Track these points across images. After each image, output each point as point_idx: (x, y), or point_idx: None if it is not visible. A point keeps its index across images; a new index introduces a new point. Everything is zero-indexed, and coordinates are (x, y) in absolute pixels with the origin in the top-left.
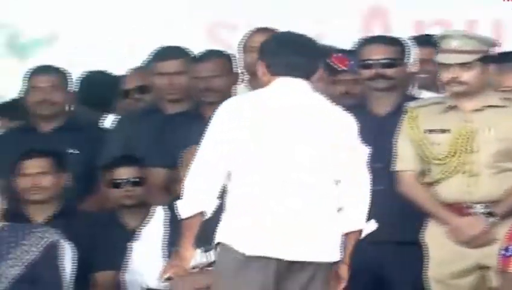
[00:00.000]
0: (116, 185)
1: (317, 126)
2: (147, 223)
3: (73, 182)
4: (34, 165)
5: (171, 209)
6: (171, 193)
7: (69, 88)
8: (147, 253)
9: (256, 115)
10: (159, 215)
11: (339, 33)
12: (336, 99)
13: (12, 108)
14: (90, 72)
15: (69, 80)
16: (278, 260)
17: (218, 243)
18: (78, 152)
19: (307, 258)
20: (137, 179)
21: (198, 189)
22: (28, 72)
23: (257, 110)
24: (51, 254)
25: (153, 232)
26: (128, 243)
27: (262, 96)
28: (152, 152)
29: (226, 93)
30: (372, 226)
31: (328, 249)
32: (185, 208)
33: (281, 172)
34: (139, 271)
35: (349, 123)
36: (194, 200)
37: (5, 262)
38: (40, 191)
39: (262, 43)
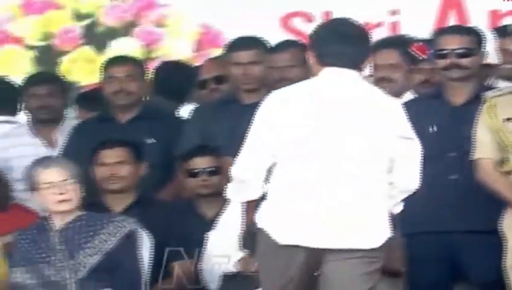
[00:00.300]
0: (193, 174)
1: (366, 116)
2: (223, 212)
3: (150, 171)
4: (112, 155)
5: None
6: None
7: (145, 78)
8: (223, 242)
9: (305, 104)
10: (235, 204)
11: (414, 23)
12: (415, 87)
13: (91, 98)
14: (166, 62)
15: (145, 70)
16: (316, 249)
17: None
18: (154, 142)
19: (347, 246)
20: (214, 169)
21: (245, 176)
22: (104, 62)
23: (306, 99)
24: (128, 243)
25: (229, 220)
26: (206, 232)
27: (311, 86)
28: (228, 142)
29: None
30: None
31: (369, 237)
32: (234, 195)
33: (330, 162)
34: (216, 260)
35: (398, 113)
36: (242, 188)
37: (84, 251)
38: (118, 180)
39: (311, 33)
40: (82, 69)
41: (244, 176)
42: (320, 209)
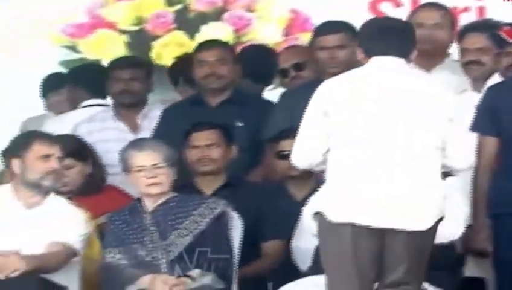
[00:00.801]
0: (283, 156)
1: (418, 100)
2: (313, 193)
3: (238, 154)
4: (203, 138)
5: None
6: None
7: (235, 62)
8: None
9: (359, 91)
10: None
11: (501, 7)
12: (503, 71)
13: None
14: (251, 45)
15: (235, 54)
16: (371, 228)
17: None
18: (243, 125)
19: (403, 227)
20: None
21: (305, 164)
22: (196, 46)
23: (360, 86)
24: (219, 224)
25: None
26: (296, 213)
27: (362, 73)
28: None
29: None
30: None
31: (423, 219)
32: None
33: (387, 146)
34: (307, 239)
35: (447, 97)
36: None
37: (175, 232)
38: (209, 162)
39: (359, 30)
40: (173, 53)
41: (304, 164)
42: (380, 192)
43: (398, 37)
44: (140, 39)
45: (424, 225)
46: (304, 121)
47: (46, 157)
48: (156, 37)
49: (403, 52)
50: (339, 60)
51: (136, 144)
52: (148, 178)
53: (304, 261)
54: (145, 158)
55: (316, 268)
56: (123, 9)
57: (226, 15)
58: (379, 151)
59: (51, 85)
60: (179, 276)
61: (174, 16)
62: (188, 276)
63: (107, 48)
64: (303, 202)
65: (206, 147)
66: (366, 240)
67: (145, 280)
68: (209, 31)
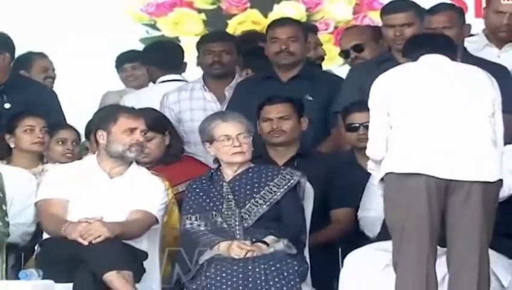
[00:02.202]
0: (352, 128)
1: (468, 81)
2: None
3: (309, 126)
4: (275, 110)
5: None
6: None
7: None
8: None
9: (394, 80)
10: None
11: None
12: None
13: (255, 57)
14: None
15: (305, 32)
16: (439, 179)
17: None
18: (313, 98)
19: (465, 178)
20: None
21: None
22: (269, 24)
23: (394, 76)
24: (294, 194)
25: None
26: (365, 182)
27: (415, 67)
28: None
29: (457, 43)
30: None
31: (485, 171)
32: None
33: (442, 114)
34: (375, 208)
35: (489, 79)
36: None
37: (252, 200)
38: (281, 134)
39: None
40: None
41: (380, 156)
42: (446, 147)
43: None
44: (216, 17)
45: (491, 177)
46: (372, 120)
47: (131, 130)
48: (231, 16)
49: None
50: (405, 37)
51: (222, 115)
52: (232, 147)
53: (371, 229)
54: (231, 128)
55: (383, 235)
56: None
57: None
58: (440, 119)
59: (125, 59)
60: (253, 242)
61: None
62: (263, 242)
63: (185, 26)
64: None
65: (278, 119)
66: (436, 193)
67: (222, 245)
68: (281, 10)
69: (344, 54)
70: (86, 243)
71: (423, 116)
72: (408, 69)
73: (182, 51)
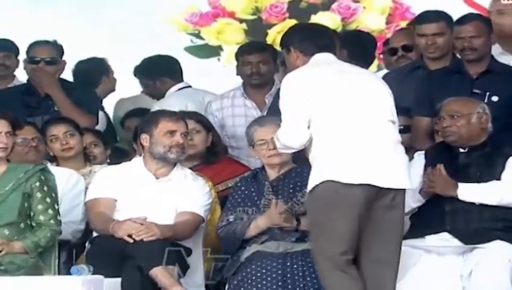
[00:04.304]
0: None
1: (364, 82)
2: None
3: None
4: None
5: (429, 156)
6: (433, 139)
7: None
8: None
9: (319, 80)
10: (419, 160)
11: None
12: None
13: None
14: (351, 31)
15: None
16: (372, 187)
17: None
18: None
19: (392, 186)
20: (405, 127)
21: (294, 144)
22: None
23: (321, 76)
24: None
25: (412, 174)
26: None
27: (315, 67)
28: (416, 103)
29: (485, 52)
30: None
31: (406, 178)
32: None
33: (354, 117)
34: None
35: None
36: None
37: (294, 199)
38: None
39: (287, 35)
40: None
41: (296, 145)
42: (373, 156)
43: (326, 38)
44: (257, 27)
45: (409, 184)
46: (287, 108)
47: (171, 133)
48: (271, 25)
49: (333, 50)
50: (437, 46)
51: (259, 120)
52: (269, 150)
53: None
54: (266, 132)
55: (414, 232)
56: (242, 1)
57: (334, 5)
58: (357, 124)
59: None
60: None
61: (287, 6)
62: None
63: (227, 35)
64: None
65: None
66: (368, 200)
67: (262, 219)
68: (318, 20)
69: (392, 51)
70: (131, 241)
71: (346, 123)
72: (318, 70)
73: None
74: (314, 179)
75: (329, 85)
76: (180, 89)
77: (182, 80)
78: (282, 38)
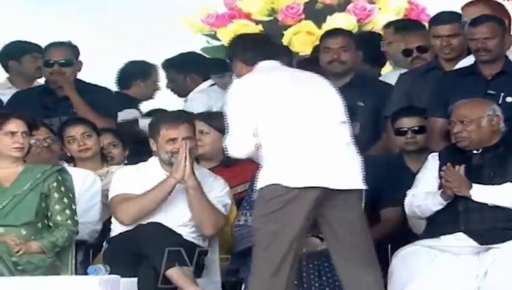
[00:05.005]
0: (401, 132)
1: (311, 85)
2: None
3: (360, 130)
4: None
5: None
6: (448, 140)
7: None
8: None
9: (265, 86)
10: (433, 161)
11: None
12: None
13: (311, 64)
14: (363, 32)
15: (356, 42)
16: (320, 189)
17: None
18: (364, 104)
19: (343, 187)
20: (419, 128)
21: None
22: (322, 34)
23: (265, 82)
24: None
25: (426, 176)
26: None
27: (260, 74)
28: (432, 104)
29: (500, 53)
30: None
31: (359, 178)
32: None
33: (302, 120)
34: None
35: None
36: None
37: None
38: None
39: (230, 47)
40: (302, 40)
41: (242, 154)
42: (321, 158)
43: (270, 46)
44: (273, 28)
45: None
46: (232, 118)
47: (172, 140)
48: (286, 26)
49: (278, 58)
50: (452, 47)
51: None
52: None
53: (418, 226)
54: None
55: (429, 232)
56: (258, 2)
57: (349, 6)
58: (306, 128)
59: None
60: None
61: (303, 8)
62: (318, 237)
63: None
64: (418, 173)
65: None
66: (316, 202)
67: None
68: (334, 21)
69: (407, 52)
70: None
71: (294, 125)
72: (262, 77)
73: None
74: (260, 181)
75: (275, 90)
76: (211, 85)
77: (209, 78)
78: (227, 51)
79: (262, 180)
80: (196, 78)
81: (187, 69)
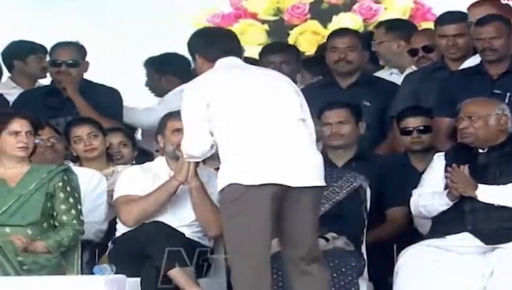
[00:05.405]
0: (407, 132)
1: (269, 82)
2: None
3: (367, 130)
4: (335, 115)
5: (448, 157)
6: (454, 140)
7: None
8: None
9: (223, 84)
10: (439, 161)
11: None
12: None
13: (316, 63)
14: (371, 32)
15: (363, 42)
16: (278, 186)
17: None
18: (370, 104)
19: (303, 184)
20: (425, 127)
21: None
22: (328, 34)
23: (222, 81)
24: (355, 196)
25: (432, 176)
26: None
27: (216, 72)
28: (437, 104)
29: (506, 53)
30: None
31: (318, 176)
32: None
33: (259, 118)
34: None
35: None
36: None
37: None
38: (340, 138)
39: (191, 42)
40: (308, 40)
41: (197, 153)
42: (277, 155)
43: (230, 41)
44: (279, 28)
45: (322, 181)
46: (187, 118)
47: (178, 131)
48: (292, 26)
49: (237, 53)
50: (458, 47)
51: None
52: None
53: (424, 226)
54: None
55: (435, 232)
56: (264, 2)
57: (355, 6)
58: (266, 126)
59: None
60: None
61: (309, 7)
62: (324, 238)
63: (249, 36)
64: (423, 172)
65: (337, 123)
66: (276, 200)
67: None
68: (340, 21)
69: (412, 52)
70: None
71: (251, 124)
72: (221, 75)
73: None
74: (220, 182)
75: (231, 88)
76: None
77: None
78: (187, 45)
79: (222, 180)
80: (172, 79)
81: (164, 70)
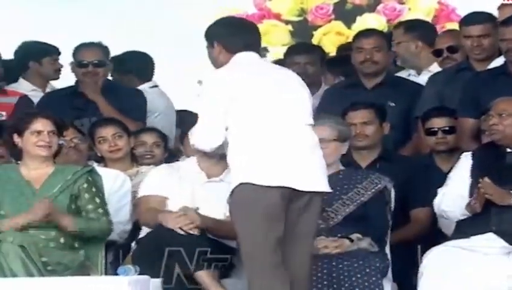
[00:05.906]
0: (431, 133)
1: (285, 84)
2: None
3: (391, 130)
4: (359, 116)
5: (476, 157)
6: (478, 141)
7: (388, 49)
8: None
9: (247, 81)
10: (466, 161)
11: None
12: None
13: (341, 64)
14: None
15: (388, 42)
16: (287, 189)
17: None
18: (395, 105)
19: (308, 188)
20: (450, 128)
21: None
22: (355, 35)
23: (246, 77)
24: (380, 197)
25: (458, 175)
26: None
27: (238, 68)
28: (462, 104)
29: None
30: None
31: (325, 181)
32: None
33: (274, 120)
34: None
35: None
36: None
37: (340, 201)
38: (365, 138)
39: (213, 28)
40: (332, 40)
41: (207, 147)
42: (292, 158)
43: (253, 35)
44: (302, 28)
45: (327, 187)
46: (206, 109)
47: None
48: (316, 27)
49: (257, 48)
50: (483, 47)
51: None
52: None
53: (448, 226)
54: (318, 132)
55: (459, 232)
56: (287, 2)
57: (379, 7)
58: (280, 125)
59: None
60: (339, 237)
61: (333, 8)
62: (348, 238)
63: (273, 37)
64: (449, 173)
65: (361, 124)
66: (286, 203)
67: None
68: (364, 21)
69: (437, 52)
70: (181, 232)
71: (266, 125)
72: (241, 70)
73: (153, 61)
74: (232, 183)
75: (251, 87)
76: (151, 87)
77: (150, 80)
78: (207, 30)
79: (235, 179)
80: (133, 78)
81: (125, 69)
